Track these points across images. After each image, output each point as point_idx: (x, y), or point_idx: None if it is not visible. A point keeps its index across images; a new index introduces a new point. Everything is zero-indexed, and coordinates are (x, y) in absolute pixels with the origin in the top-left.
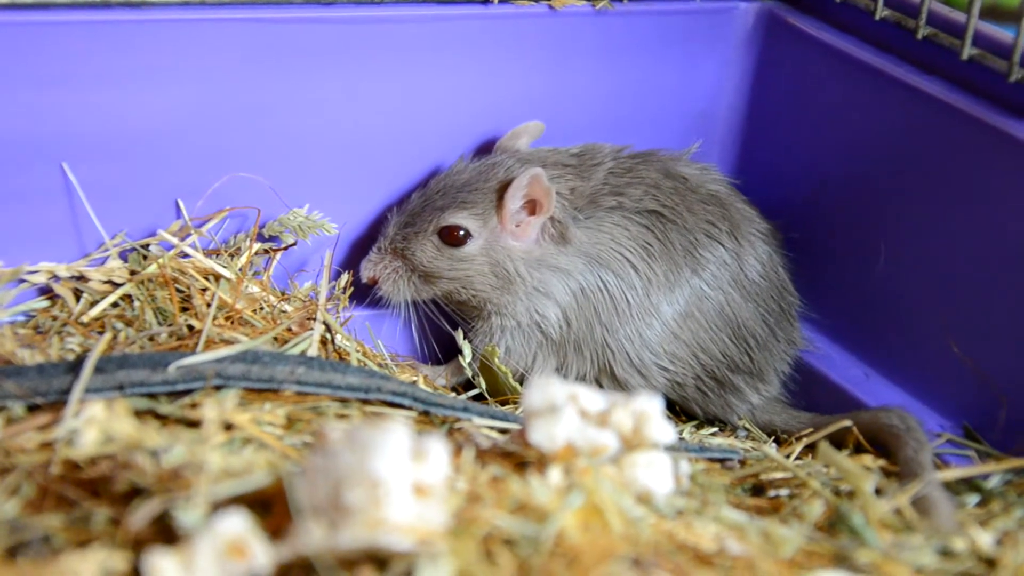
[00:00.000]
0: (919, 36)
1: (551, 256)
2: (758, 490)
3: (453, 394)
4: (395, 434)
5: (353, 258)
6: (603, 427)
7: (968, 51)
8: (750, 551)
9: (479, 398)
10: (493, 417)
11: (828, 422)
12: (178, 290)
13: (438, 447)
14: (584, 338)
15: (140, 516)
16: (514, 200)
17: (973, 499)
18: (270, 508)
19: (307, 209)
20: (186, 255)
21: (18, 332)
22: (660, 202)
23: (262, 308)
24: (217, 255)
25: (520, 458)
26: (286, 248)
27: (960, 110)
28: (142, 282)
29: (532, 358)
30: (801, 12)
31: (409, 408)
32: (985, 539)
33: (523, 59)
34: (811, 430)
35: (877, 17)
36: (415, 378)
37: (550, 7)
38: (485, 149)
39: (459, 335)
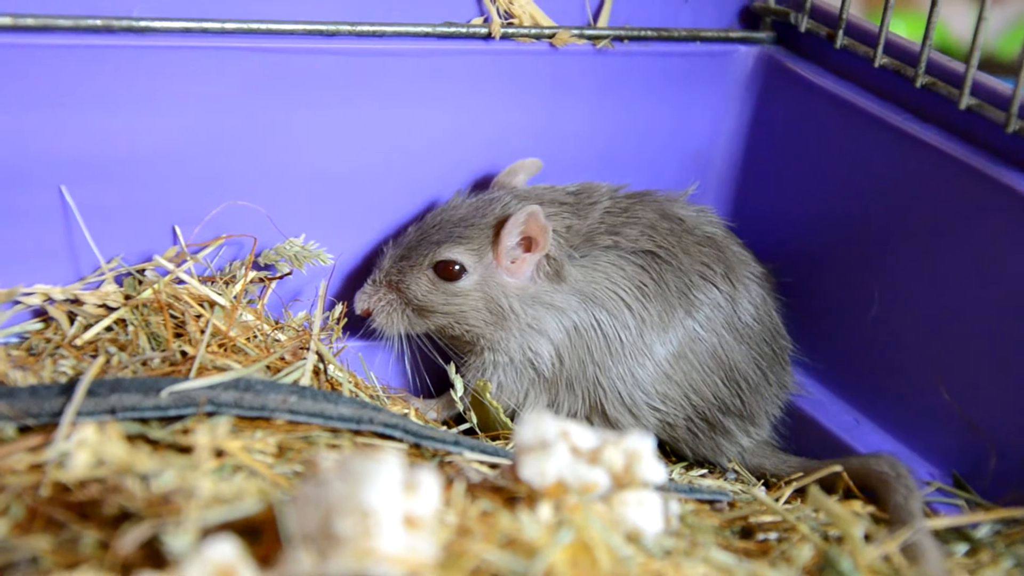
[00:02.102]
0: (918, 84)
1: (546, 293)
2: (747, 533)
3: (444, 428)
4: (387, 465)
5: (348, 289)
6: (594, 465)
7: (966, 101)
8: None
9: (470, 432)
10: (484, 452)
11: (818, 467)
12: (172, 316)
13: (430, 479)
14: (576, 376)
15: (129, 540)
16: (510, 237)
17: (962, 548)
18: (260, 536)
19: (303, 239)
20: (181, 281)
21: (11, 353)
22: (656, 243)
23: (256, 336)
24: (212, 282)
25: (510, 493)
26: (281, 277)
27: (957, 159)
28: (137, 307)
29: (524, 394)
30: (800, 57)
31: (400, 440)
32: None
33: (523, 96)
34: (801, 474)
35: (876, 64)
36: (406, 410)
37: (551, 45)
38: (482, 184)
39: (451, 369)
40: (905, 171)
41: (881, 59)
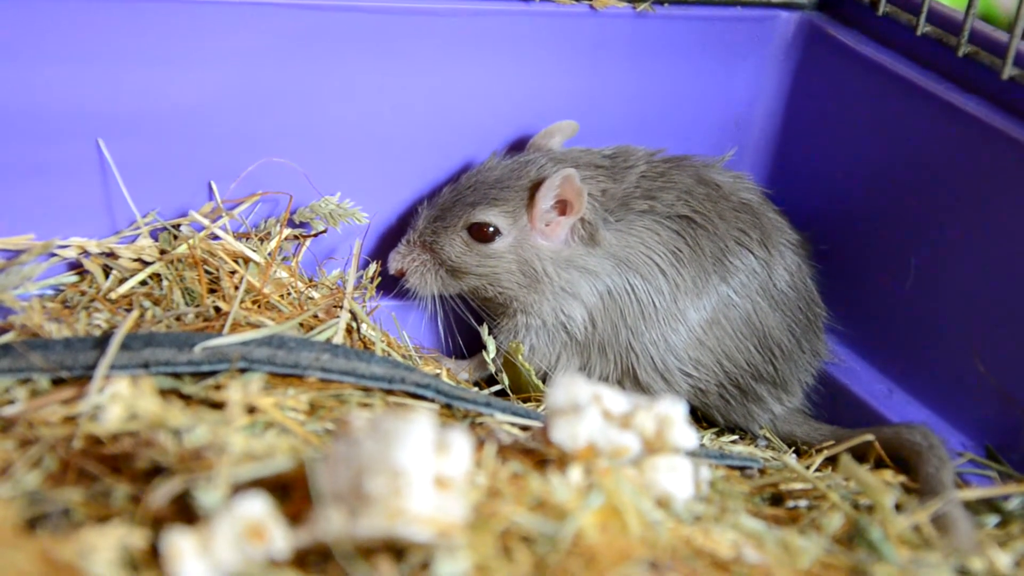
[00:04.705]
0: (960, 54)
1: (579, 257)
2: (777, 500)
3: (476, 389)
4: (419, 425)
5: (382, 249)
6: (625, 429)
7: (1009, 71)
8: (767, 560)
9: (502, 394)
10: (515, 414)
11: (850, 435)
12: (207, 272)
13: (461, 440)
14: (609, 340)
15: (160, 494)
16: (545, 199)
17: (992, 520)
18: (290, 493)
19: (339, 197)
20: (216, 237)
21: (46, 305)
22: (692, 208)
23: (289, 294)
24: (247, 239)
25: (541, 456)
26: (316, 235)
27: (998, 130)
28: (171, 262)
29: (556, 357)
30: (842, 24)
31: (432, 400)
32: (1003, 560)
33: (561, 58)
34: (832, 442)
35: (918, 33)
36: (439, 371)
37: (591, 7)
38: (518, 146)
39: (484, 331)
40: (945, 141)
41: (923, 27)
